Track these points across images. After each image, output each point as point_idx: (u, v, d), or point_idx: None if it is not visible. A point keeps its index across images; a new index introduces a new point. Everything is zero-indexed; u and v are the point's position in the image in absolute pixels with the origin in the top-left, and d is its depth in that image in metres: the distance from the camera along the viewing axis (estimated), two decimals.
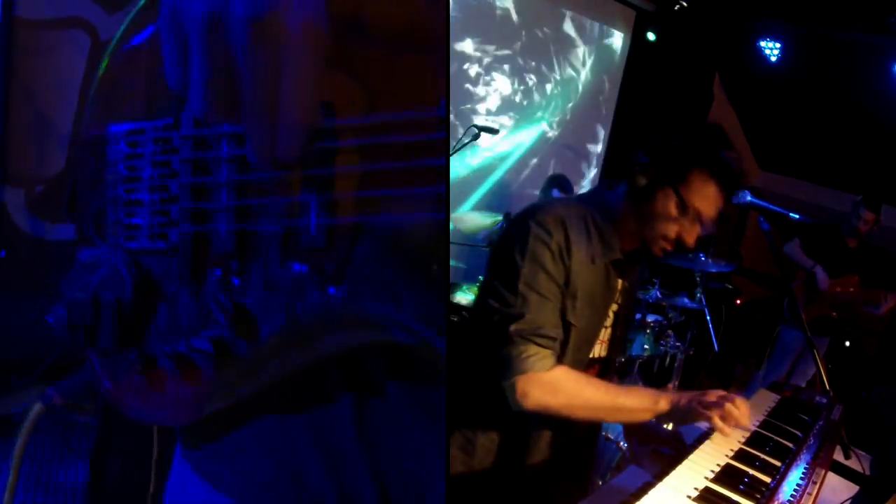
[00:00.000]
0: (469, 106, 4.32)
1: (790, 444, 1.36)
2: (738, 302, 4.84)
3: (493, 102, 4.46)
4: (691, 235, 1.34)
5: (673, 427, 1.49)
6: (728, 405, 1.24)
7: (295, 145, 0.85)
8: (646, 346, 3.28)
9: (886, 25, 4.03)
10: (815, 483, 1.19)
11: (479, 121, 4.22)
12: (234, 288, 0.93)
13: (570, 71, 4.85)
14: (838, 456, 1.58)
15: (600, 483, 2.38)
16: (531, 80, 4.64)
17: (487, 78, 4.38)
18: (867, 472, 2.79)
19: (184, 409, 0.98)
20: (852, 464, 1.73)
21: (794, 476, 1.19)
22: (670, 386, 3.54)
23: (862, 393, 3.65)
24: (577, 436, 1.52)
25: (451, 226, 3.98)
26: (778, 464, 1.23)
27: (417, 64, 0.83)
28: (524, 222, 1.32)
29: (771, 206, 2.18)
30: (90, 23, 1.27)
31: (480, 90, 4.37)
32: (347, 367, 0.95)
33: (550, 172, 4.82)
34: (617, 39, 5.09)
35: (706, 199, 1.30)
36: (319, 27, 0.80)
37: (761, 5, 4.69)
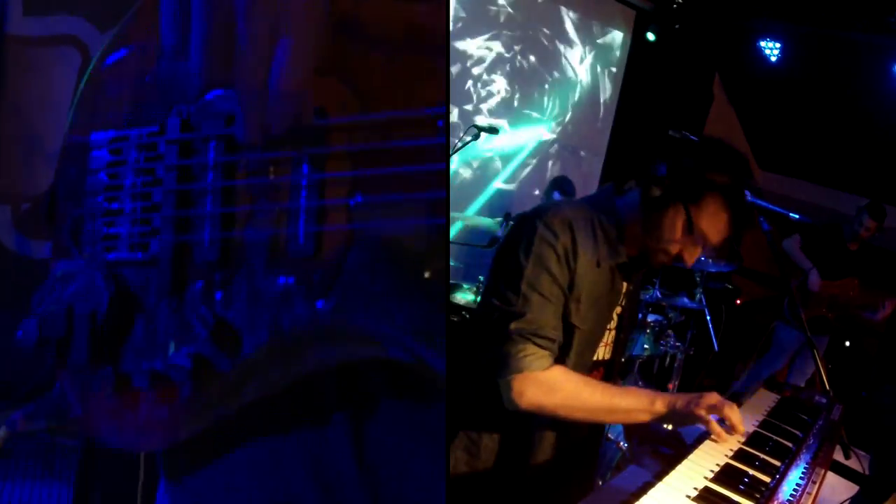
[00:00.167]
0: (469, 106, 4.32)
1: (790, 444, 1.36)
2: (738, 302, 4.84)
3: (493, 102, 4.46)
4: (692, 256, 1.34)
5: (672, 427, 1.49)
6: (726, 410, 1.25)
7: (287, 113, 0.81)
8: (646, 346, 3.28)
9: (886, 25, 4.03)
10: (814, 483, 1.19)
11: (480, 121, 4.21)
12: (217, 300, 0.89)
13: (570, 71, 4.85)
14: (838, 456, 1.58)
15: (600, 483, 2.38)
16: (532, 80, 4.65)
17: (488, 78, 4.38)
18: (867, 472, 2.79)
19: (158, 432, 0.92)
20: (852, 464, 1.73)
21: (794, 476, 1.19)
22: (670, 386, 3.54)
23: (862, 393, 3.65)
24: (582, 437, 1.52)
25: (461, 223, 3.98)
26: (778, 464, 1.23)
27: (414, 67, 0.82)
28: (531, 222, 1.31)
29: (771, 206, 2.18)
30: (82, 41, 1.26)
31: (481, 90, 4.37)
32: (341, 385, 0.90)
33: (550, 172, 4.82)
34: (617, 39, 5.09)
35: (715, 225, 1.30)
36: None
37: (761, 5, 4.69)
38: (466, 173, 4.41)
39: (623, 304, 1.46)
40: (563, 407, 1.28)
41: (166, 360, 0.90)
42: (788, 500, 1.09)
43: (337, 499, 0.91)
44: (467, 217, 3.82)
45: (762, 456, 1.25)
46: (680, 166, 1.31)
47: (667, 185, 1.30)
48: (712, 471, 1.14)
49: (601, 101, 5.14)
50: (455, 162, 4.15)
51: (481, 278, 3.34)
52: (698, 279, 3.55)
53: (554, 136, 4.90)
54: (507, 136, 4.54)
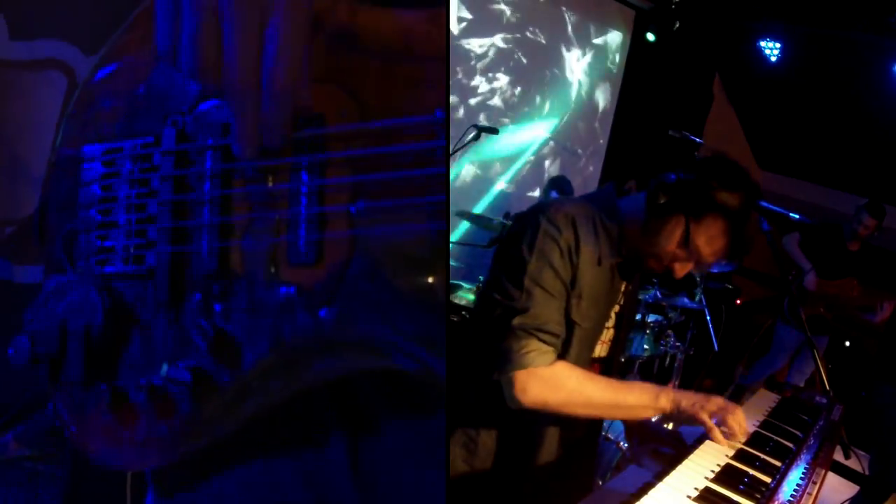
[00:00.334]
0: (470, 106, 4.32)
1: (790, 444, 1.36)
2: (738, 302, 4.84)
3: (493, 102, 4.46)
4: (682, 269, 1.34)
5: (673, 427, 1.49)
6: (729, 419, 1.25)
7: (281, 117, 0.81)
8: (646, 346, 3.28)
9: (886, 25, 4.03)
10: (815, 483, 1.19)
11: (480, 121, 4.21)
12: (216, 312, 0.87)
13: (570, 71, 4.85)
14: (838, 456, 1.58)
15: (600, 483, 2.38)
16: (531, 80, 4.64)
17: (488, 78, 4.38)
18: (867, 472, 2.79)
19: (156, 449, 0.90)
20: (852, 464, 1.73)
21: (794, 476, 1.19)
22: (670, 385, 3.54)
23: (861, 392, 3.65)
24: (579, 435, 1.52)
25: (466, 223, 3.98)
26: (778, 464, 1.23)
27: (414, 73, 0.81)
28: (535, 218, 1.31)
29: (771, 206, 2.18)
30: (68, 64, 1.25)
31: (480, 90, 4.37)
32: (340, 400, 0.88)
33: (550, 172, 4.82)
34: (617, 39, 5.09)
35: (711, 245, 1.30)
36: None
37: (761, 5, 4.69)
38: (467, 173, 4.41)
39: (622, 303, 1.46)
40: (567, 403, 1.27)
41: (164, 375, 0.89)
42: (789, 501, 1.09)
43: None
44: (474, 215, 3.81)
45: (763, 456, 1.25)
46: (690, 179, 1.30)
47: (674, 195, 1.30)
48: (713, 471, 1.14)
49: (601, 101, 5.14)
50: (455, 162, 4.15)
51: (481, 278, 3.34)
52: (698, 279, 3.55)
53: (554, 135, 4.90)
54: (508, 137, 4.54)
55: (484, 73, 4.35)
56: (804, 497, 1.12)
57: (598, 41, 4.97)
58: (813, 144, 5.29)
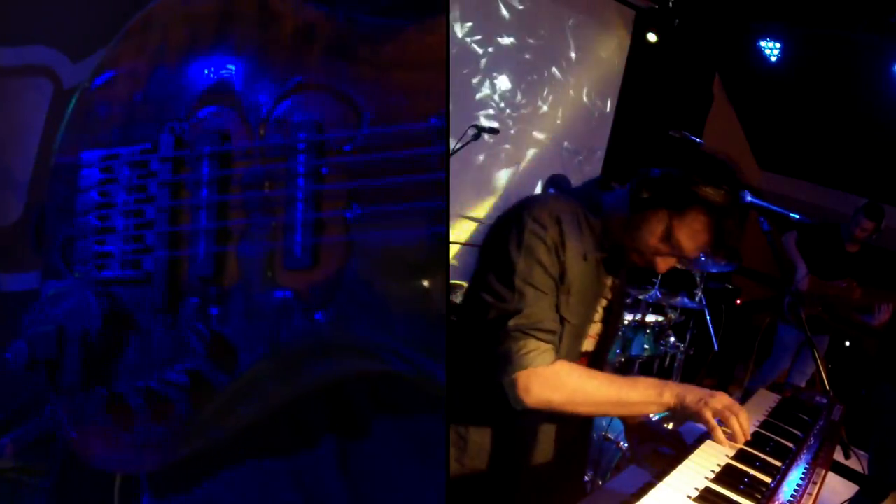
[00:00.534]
0: (469, 106, 4.32)
1: (790, 445, 1.36)
2: (738, 302, 4.84)
3: (493, 102, 4.46)
4: (665, 263, 1.34)
5: (673, 427, 1.49)
6: (733, 421, 1.24)
7: None
8: (646, 346, 3.28)
9: (886, 25, 4.03)
10: (815, 483, 1.19)
11: (480, 121, 4.21)
12: (213, 316, 0.89)
13: (570, 71, 4.85)
14: (838, 456, 1.58)
15: (600, 483, 2.38)
16: (531, 79, 4.64)
17: (487, 78, 4.38)
18: (867, 473, 2.79)
19: (154, 452, 0.91)
20: (852, 464, 1.73)
21: (795, 476, 1.19)
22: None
23: (861, 391, 3.65)
24: (571, 433, 1.51)
25: (468, 223, 3.97)
26: (778, 464, 1.23)
27: (410, 82, 0.82)
28: (519, 216, 1.31)
29: (771, 206, 2.18)
30: (54, 71, 1.25)
31: (480, 90, 4.37)
32: (334, 403, 0.89)
33: (550, 172, 4.82)
34: (617, 39, 5.09)
35: (693, 239, 1.30)
36: None
37: (761, 5, 4.69)
38: (466, 174, 4.41)
39: (609, 297, 1.46)
40: (570, 402, 1.26)
41: (162, 378, 0.90)
42: (789, 501, 1.09)
43: None
44: (478, 219, 3.81)
45: (763, 456, 1.25)
46: (673, 173, 1.29)
47: (656, 190, 1.29)
48: (713, 471, 1.14)
49: (601, 101, 5.14)
50: (455, 162, 4.15)
51: None
52: (698, 279, 3.55)
53: (554, 135, 4.90)
54: (508, 136, 4.54)
55: (484, 72, 4.35)
56: (804, 497, 1.12)
57: (598, 41, 4.97)
58: (813, 144, 5.29)
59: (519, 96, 4.60)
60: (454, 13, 4.05)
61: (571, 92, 4.92)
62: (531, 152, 4.79)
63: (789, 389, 1.80)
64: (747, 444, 1.29)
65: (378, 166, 0.82)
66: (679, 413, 1.27)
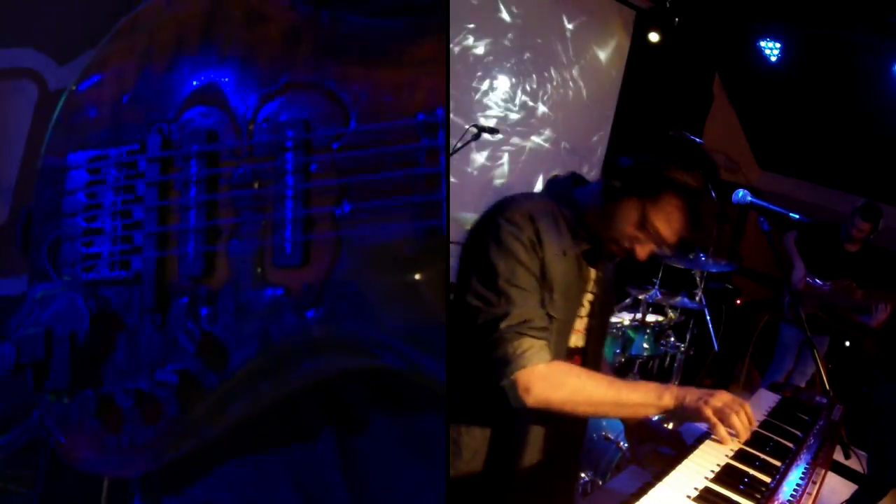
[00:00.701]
0: (469, 106, 4.32)
1: (790, 444, 1.36)
2: (738, 302, 4.84)
3: (492, 102, 4.46)
4: (644, 251, 1.34)
5: (673, 426, 1.49)
6: (734, 418, 1.23)
7: None
8: (646, 346, 3.28)
9: (886, 25, 4.03)
10: (815, 483, 1.19)
11: (480, 121, 4.22)
12: (203, 316, 0.89)
13: (570, 71, 4.85)
14: (838, 456, 1.58)
15: (600, 483, 2.38)
16: (531, 80, 4.64)
17: (487, 78, 4.38)
18: (866, 472, 2.79)
19: (144, 454, 0.91)
20: (852, 463, 1.73)
21: (794, 476, 1.19)
22: (672, 384, 3.54)
23: (862, 388, 3.64)
24: (565, 433, 1.50)
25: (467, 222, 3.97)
26: (778, 464, 1.23)
27: (401, 78, 0.82)
28: (493, 220, 1.31)
29: (771, 206, 2.18)
30: (39, 74, 1.25)
31: (480, 90, 4.37)
32: (328, 400, 0.89)
33: (549, 172, 4.82)
34: (617, 39, 5.09)
35: (669, 224, 1.29)
36: None
37: (761, 5, 4.69)
38: (466, 173, 4.41)
39: (594, 291, 1.46)
40: (570, 402, 1.25)
41: (151, 379, 0.89)
42: (789, 501, 1.09)
43: None
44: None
45: (762, 456, 1.25)
46: (643, 160, 1.30)
47: (627, 177, 1.30)
48: (713, 471, 1.14)
49: (600, 101, 5.14)
50: (454, 162, 4.15)
51: None
52: (698, 279, 3.55)
53: (554, 135, 4.90)
54: (507, 136, 4.54)
55: (484, 72, 4.35)
56: (804, 497, 1.12)
57: (598, 41, 4.97)
58: (813, 144, 5.29)
59: (519, 96, 4.60)
60: (454, 13, 4.05)
61: (571, 92, 4.92)
62: (531, 152, 4.79)
63: (789, 389, 1.81)
64: (747, 443, 1.29)
65: (367, 162, 0.83)
66: (679, 414, 1.26)
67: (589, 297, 1.45)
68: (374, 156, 0.82)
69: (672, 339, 3.46)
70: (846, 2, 4.17)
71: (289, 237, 0.85)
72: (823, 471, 1.26)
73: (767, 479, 1.16)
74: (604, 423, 2.53)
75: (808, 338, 2.08)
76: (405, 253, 0.80)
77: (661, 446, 1.44)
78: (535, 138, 4.78)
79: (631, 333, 3.23)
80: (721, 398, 1.25)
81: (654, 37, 4.86)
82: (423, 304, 0.79)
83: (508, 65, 4.48)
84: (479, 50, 4.30)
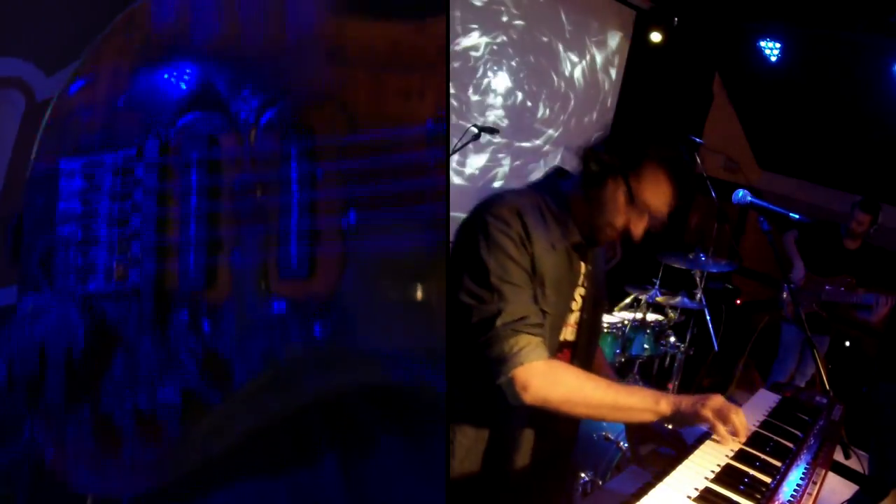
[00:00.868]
0: (469, 106, 4.32)
1: (790, 445, 1.36)
2: (738, 302, 4.84)
3: (492, 102, 4.46)
4: (638, 228, 1.34)
5: (673, 427, 1.49)
6: (733, 416, 1.24)
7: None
8: (646, 346, 3.28)
9: (886, 25, 4.03)
10: (815, 483, 1.19)
11: (479, 121, 4.21)
12: (205, 330, 0.86)
13: (570, 71, 4.85)
14: (838, 456, 1.58)
15: (600, 483, 2.38)
16: (531, 79, 4.64)
17: (487, 78, 4.38)
18: (867, 472, 2.79)
19: (142, 475, 0.87)
20: (852, 463, 1.73)
21: (795, 476, 1.19)
22: (670, 386, 3.54)
23: (862, 388, 3.64)
24: (558, 433, 1.50)
25: None
26: (778, 464, 1.23)
27: (406, 85, 0.80)
28: (480, 217, 1.31)
29: (771, 206, 2.18)
30: (27, 84, 1.23)
31: (480, 90, 4.37)
32: (333, 416, 0.86)
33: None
34: (616, 39, 5.09)
35: (656, 194, 1.31)
36: None
37: (761, 5, 4.69)
38: (466, 174, 4.41)
39: (585, 285, 1.46)
40: (567, 401, 1.25)
41: (151, 397, 0.86)
42: (789, 501, 1.09)
43: None
44: None
45: (763, 456, 1.25)
46: (617, 138, 1.32)
47: (605, 159, 1.31)
48: (713, 471, 1.14)
49: (601, 101, 5.14)
50: (454, 162, 4.15)
51: None
52: (698, 279, 3.55)
53: (554, 135, 4.90)
54: (508, 136, 4.54)
55: (484, 72, 4.35)
56: (804, 497, 1.12)
57: (597, 41, 4.97)
58: (813, 144, 5.29)
59: (518, 96, 4.60)
60: (454, 13, 4.05)
61: (571, 92, 4.92)
62: (531, 152, 4.79)
63: (789, 389, 1.80)
64: (747, 443, 1.29)
65: (374, 171, 0.80)
66: (677, 420, 1.27)
67: (581, 291, 1.45)
68: (382, 164, 0.80)
69: (672, 339, 3.46)
70: (846, 2, 4.16)
71: (294, 249, 0.83)
72: (823, 471, 1.26)
73: (768, 480, 1.16)
74: (604, 423, 2.53)
75: (807, 337, 2.08)
76: (413, 265, 0.78)
77: (662, 446, 1.44)
78: (535, 138, 4.78)
79: (631, 333, 3.23)
80: (716, 401, 1.25)
81: (656, 37, 4.85)
82: (432, 318, 0.77)
83: (508, 65, 4.48)
84: (479, 50, 4.30)
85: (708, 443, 1.26)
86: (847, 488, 2.01)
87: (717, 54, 5.29)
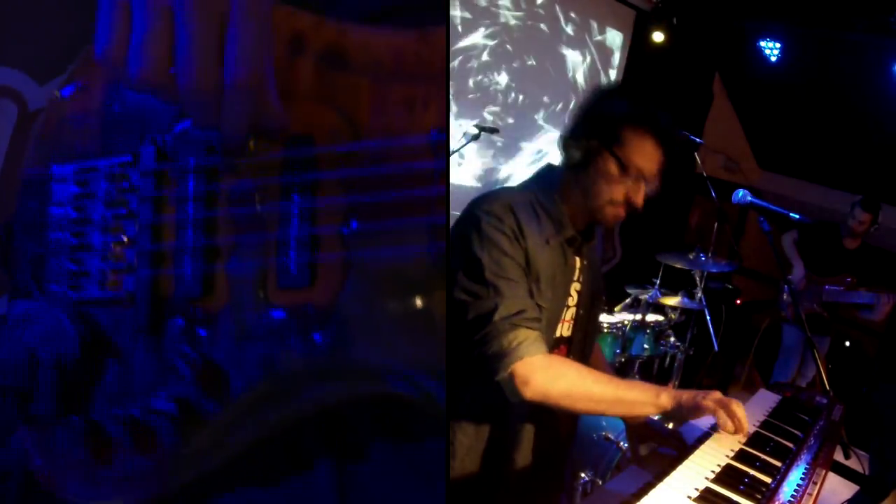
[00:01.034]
0: (469, 106, 4.32)
1: (790, 445, 1.36)
2: (738, 302, 4.84)
3: (492, 102, 4.46)
4: (638, 195, 1.35)
5: (674, 426, 1.49)
6: (734, 406, 1.23)
7: (237, 128, 0.77)
8: (646, 346, 3.28)
9: (886, 25, 4.03)
10: (815, 483, 1.19)
11: (480, 120, 4.22)
12: (201, 339, 0.84)
13: (570, 71, 4.85)
14: (838, 456, 1.58)
15: (600, 483, 2.38)
16: (531, 79, 4.64)
17: (487, 77, 4.38)
18: (867, 472, 2.79)
19: (135, 487, 0.84)
20: (852, 464, 1.73)
21: (795, 476, 1.19)
22: (670, 385, 3.54)
23: (862, 388, 3.64)
24: (557, 431, 1.50)
25: None
26: (778, 464, 1.23)
27: (407, 93, 0.79)
28: (473, 214, 1.32)
29: (771, 206, 2.18)
30: (19, 93, 1.22)
31: (480, 90, 4.37)
32: (332, 429, 0.84)
33: None
34: (616, 39, 5.09)
35: (644, 154, 1.32)
36: None
37: (761, 5, 4.69)
38: (465, 174, 4.41)
39: (581, 280, 1.46)
40: (568, 396, 1.24)
41: (145, 406, 0.84)
42: (789, 501, 1.09)
43: None
44: None
45: (763, 456, 1.25)
46: (589, 118, 1.35)
47: (585, 142, 1.33)
48: (713, 471, 1.14)
49: None
50: (454, 163, 4.15)
51: None
52: (698, 279, 3.55)
53: (554, 135, 4.90)
54: (508, 136, 4.54)
55: (484, 72, 4.35)
56: (804, 497, 1.12)
57: (598, 41, 4.97)
58: (813, 144, 5.29)
59: (518, 96, 4.60)
60: (454, 13, 4.05)
61: (571, 92, 4.92)
62: (531, 152, 4.79)
63: (789, 389, 1.80)
64: (747, 443, 1.29)
65: (376, 180, 0.79)
66: (678, 414, 1.26)
67: (576, 286, 1.45)
68: (385, 173, 0.79)
69: (672, 339, 3.46)
70: (846, 2, 4.16)
71: (294, 257, 0.81)
72: (824, 471, 1.26)
73: (768, 480, 1.16)
74: (604, 422, 2.53)
75: (808, 337, 2.07)
76: (415, 274, 0.77)
77: (662, 446, 1.44)
78: (534, 138, 4.78)
79: (631, 333, 3.23)
80: (716, 395, 1.25)
81: (658, 36, 4.85)
82: (434, 327, 0.76)
83: (508, 64, 4.48)
84: (480, 50, 4.30)
85: (708, 443, 1.26)
86: (847, 488, 2.01)
87: (717, 54, 5.29)
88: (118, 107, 0.94)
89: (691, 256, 3.42)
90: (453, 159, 3.89)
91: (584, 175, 1.34)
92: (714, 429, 1.31)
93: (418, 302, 0.77)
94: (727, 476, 1.14)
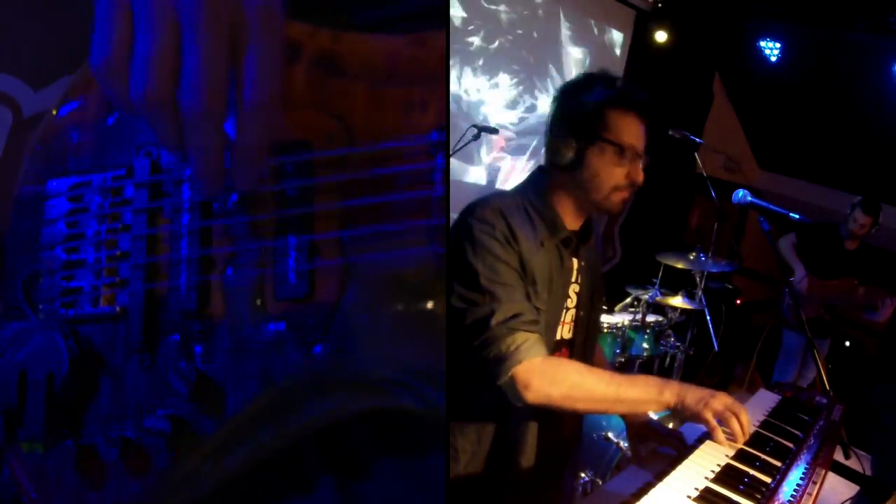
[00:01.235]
0: (468, 106, 4.32)
1: (790, 445, 1.36)
2: (738, 302, 4.84)
3: (492, 102, 4.46)
4: (638, 172, 1.37)
5: (674, 426, 1.49)
6: (733, 422, 1.23)
7: (255, 156, 0.72)
8: (646, 346, 3.28)
9: (886, 25, 4.03)
10: (815, 483, 1.18)
11: (479, 121, 4.21)
12: (197, 354, 0.81)
13: (570, 70, 4.85)
14: (838, 456, 1.58)
15: (600, 483, 2.38)
16: (531, 80, 4.64)
17: (487, 78, 4.38)
18: (867, 472, 2.78)
19: None
20: (852, 464, 1.72)
21: (795, 476, 1.19)
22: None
23: (862, 389, 3.63)
24: (562, 433, 1.50)
25: None
26: (778, 464, 1.23)
27: (404, 97, 0.78)
28: (464, 222, 1.32)
29: (771, 206, 2.18)
30: (13, 99, 1.21)
31: (480, 90, 4.37)
32: (334, 443, 0.82)
33: None
34: (617, 39, 5.09)
35: (632, 131, 1.35)
36: (275, 8, 0.71)
37: (761, 5, 4.69)
38: (465, 174, 4.41)
39: (579, 281, 1.46)
40: (569, 397, 1.23)
41: (139, 426, 0.81)
42: (789, 501, 1.09)
43: None
44: None
45: (763, 456, 1.25)
46: (566, 114, 1.36)
47: (572, 139, 1.34)
48: (713, 471, 1.14)
49: None
50: (454, 163, 4.15)
51: None
52: (698, 279, 3.55)
53: None
54: (508, 137, 4.54)
55: (483, 72, 4.35)
56: (804, 497, 1.12)
57: (598, 41, 4.97)
58: (813, 144, 5.30)
59: (518, 96, 4.60)
60: (454, 13, 4.05)
61: None
62: (531, 152, 4.79)
63: (789, 389, 1.80)
64: (747, 444, 1.29)
65: (375, 184, 0.77)
66: (679, 413, 1.26)
67: (575, 287, 1.45)
68: (384, 177, 0.77)
69: (672, 339, 3.46)
70: (846, 2, 4.16)
71: (292, 266, 0.79)
72: (824, 471, 1.26)
73: (768, 480, 1.15)
74: (604, 422, 2.53)
75: (808, 339, 2.07)
76: (417, 280, 0.75)
77: (662, 446, 1.44)
78: (534, 138, 4.78)
79: (631, 333, 3.23)
80: (721, 400, 1.24)
81: (659, 36, 4.86)
82: (438, 335, 0.74)
83: (508, 64, 4.48)
84: (479, 49, 4.30)
85: (708, 442, 1.26)
86: (847, 488, 2.00)
87: (717, 54, 5.29)
88: (113, 121, 0.93)
89: (691, 256, 3.42)
90: (453, 160, 3.89)
91: (581, 171, 1.34)
92: None
93: (420, 307, 0.75)
94: (727, 476, 1.13)
